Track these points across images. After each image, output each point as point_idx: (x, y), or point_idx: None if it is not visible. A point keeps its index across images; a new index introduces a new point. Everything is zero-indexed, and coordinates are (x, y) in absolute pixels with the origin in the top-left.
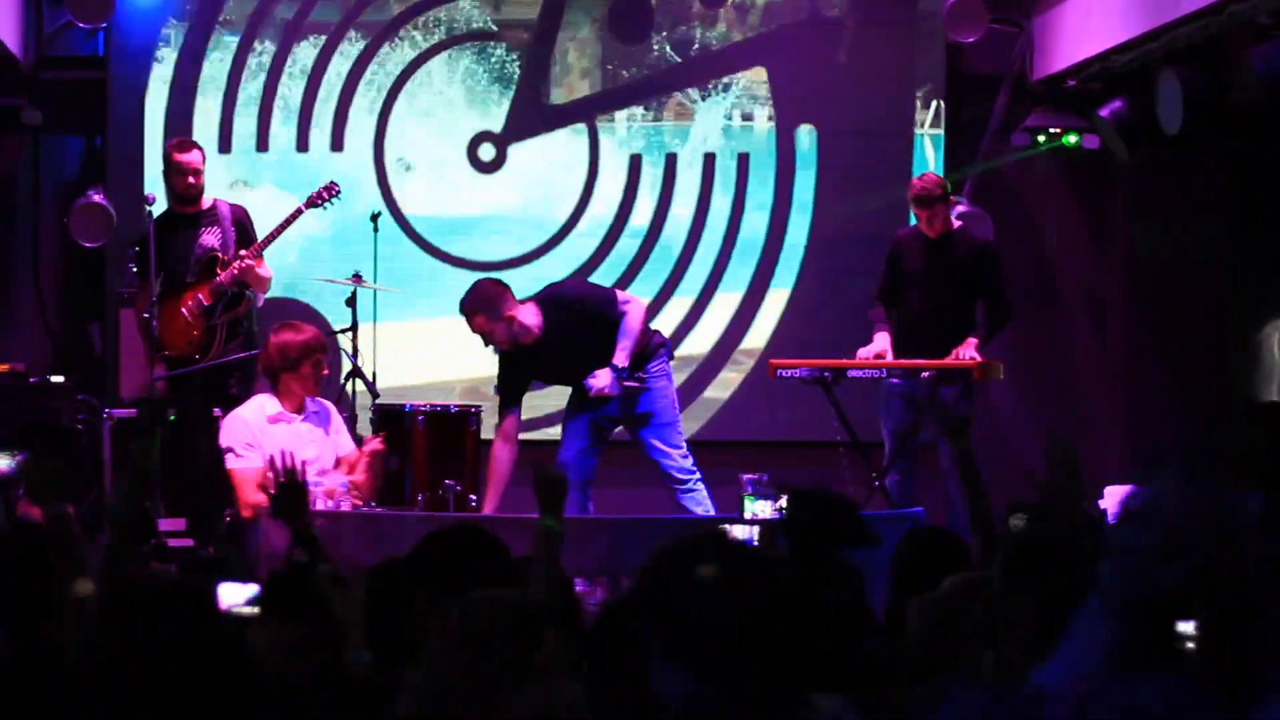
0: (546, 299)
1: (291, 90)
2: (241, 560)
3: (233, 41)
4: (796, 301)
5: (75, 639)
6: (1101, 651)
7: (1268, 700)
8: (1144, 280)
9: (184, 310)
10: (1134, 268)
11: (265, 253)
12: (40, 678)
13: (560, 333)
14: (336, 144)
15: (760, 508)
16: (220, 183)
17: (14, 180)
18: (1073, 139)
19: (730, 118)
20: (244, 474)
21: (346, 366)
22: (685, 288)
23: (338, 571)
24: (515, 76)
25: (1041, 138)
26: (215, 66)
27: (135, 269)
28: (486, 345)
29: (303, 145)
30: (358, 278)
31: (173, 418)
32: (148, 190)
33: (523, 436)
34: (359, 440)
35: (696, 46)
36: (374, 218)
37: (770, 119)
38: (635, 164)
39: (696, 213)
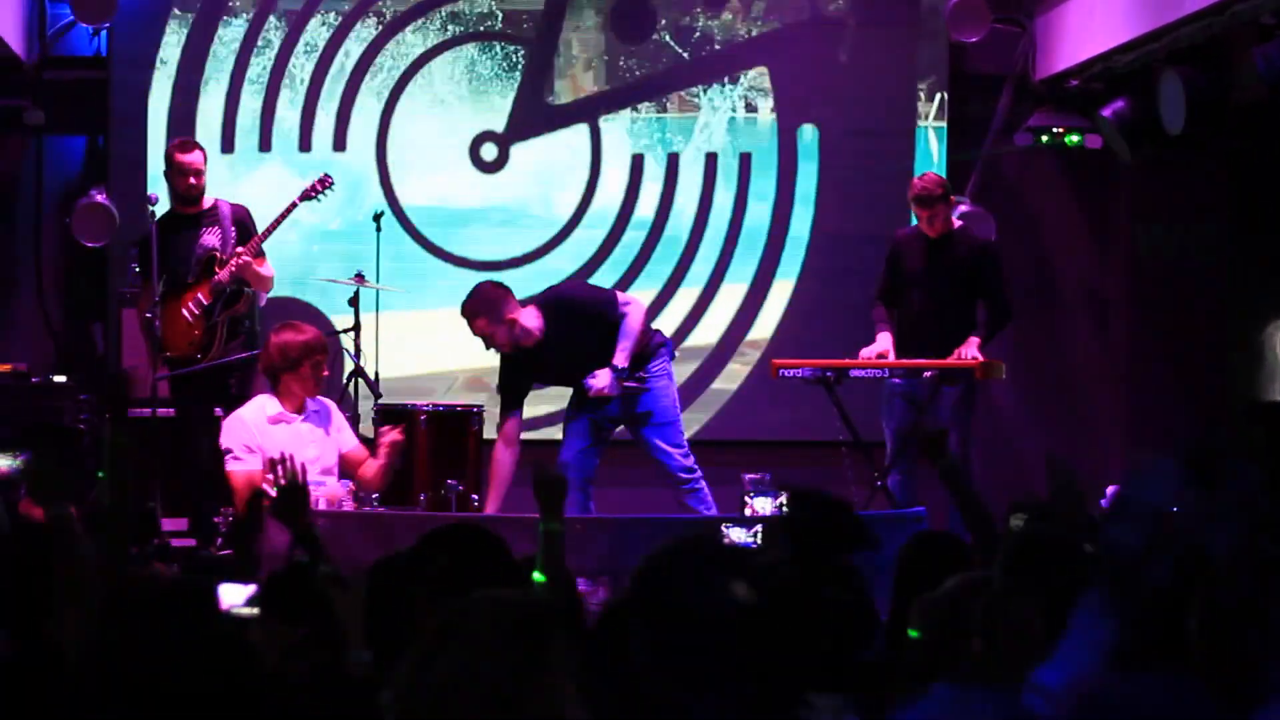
0: (547, 301)
1: (294, 90)
2: (244, 561)
3: (235, 42)
4: (801, 294)
5: (75, 639)
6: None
7: (1270, 701)
8: (1146, 280)
9: (184, 311)
10: (1136, 268)
11: (268, 252)
12: (40, 678)
13: (561, 335)
14: (339, 144)
15: (761, 504)
16: (223, 182)
17: (17, 180)
18: (1075, 139)
19: (733, 117)
20: (243, 477)
21: (349, 366)
22: (690, 280)
23: (338, 572)
24: (517, 76)
25: (1044, 137)
26: (218, 66)
27: (138, 269)
28: (488, 348)
29: (305, 145)
30: (360, 277)
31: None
32: (150, 190)
33: (524, 436)
34: (372, 440)
35: (699, 46)
36: (377, 217)
37: (772, 118)
38: (638, 163)
39: (699, 209)
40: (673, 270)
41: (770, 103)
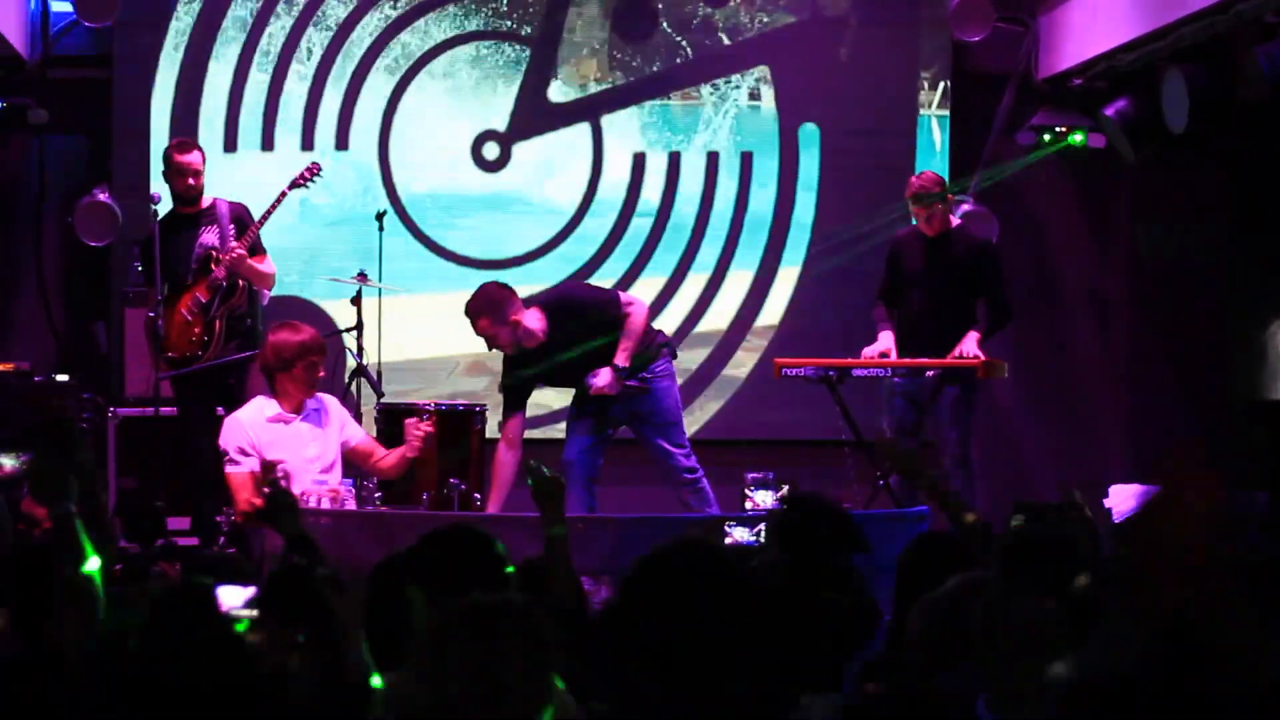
0: (550, 303)
1: (297, 90)
2: (246, 561)
3: (238, 41)
4: (806, 282)
5: (75, 639)
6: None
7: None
8: (1146, 280)
9: (183, 310)
10: (1136, 267)
11: (270, 251)
12: (40, 678)
13: (564, 336)
14: (341, 143)
15: (762, 497)
16: (226, 182)
17: (19, 179)
18: (1078, 138)
19: (734, 116)
20: (239, 479)
21: (351, 365)
22: (696, 268)
23: (337, 575)
24: (519, 75)
25: (1047, 137)
26: (221, 66)
27: (140, 268)
28: (490, 348)
29: (308, 144)
30: (363, 276)
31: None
32: (153, 189)
33: (525, 435)
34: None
35: (700, 44)
36: (379, 216)
37: (774, 117)
38: (639, 161)
39: (701, 207)
40: (678, 260)
41: (772, 101)
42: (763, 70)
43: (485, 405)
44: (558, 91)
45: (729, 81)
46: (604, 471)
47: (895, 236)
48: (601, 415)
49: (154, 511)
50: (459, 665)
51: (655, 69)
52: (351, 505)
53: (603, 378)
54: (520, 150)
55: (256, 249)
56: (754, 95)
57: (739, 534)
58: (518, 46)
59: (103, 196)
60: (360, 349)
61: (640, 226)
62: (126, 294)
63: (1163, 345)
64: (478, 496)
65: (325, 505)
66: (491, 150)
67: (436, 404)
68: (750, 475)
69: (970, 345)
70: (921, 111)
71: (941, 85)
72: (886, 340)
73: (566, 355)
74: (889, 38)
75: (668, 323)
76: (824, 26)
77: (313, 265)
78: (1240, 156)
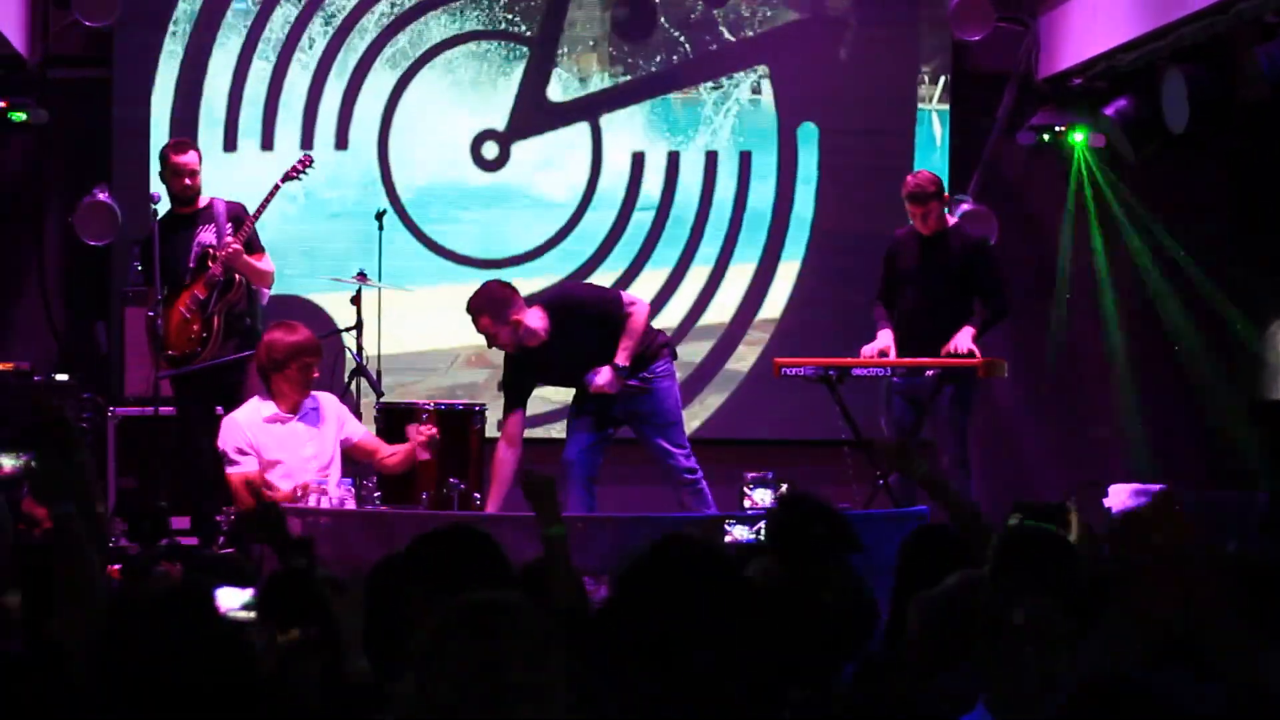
0: (552, 302)
1: (297, 85)
2: (246, 561)
3: (238, 41)
4: (805, 277)
5: (77, 639)
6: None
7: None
8: (1147, 279)
9: (182, 308)
10: (1137, 267)
11: (269, 248)
12: (41, 677)
13: (566, 335)
14: (341, 142)
15: (760, 495)
16: (226, 182)
17: (20, 178)
18: (1079, 138)
19: (734, 116)
20: (239, 479)
21: (351, 365)
22: (698, 261)
23: (336, 577)
24: (519, 73)
25: (1047, 136)
26: (220, 65)
27: (140, 268)
28: (490, 346)
29: (307, 144)
30: (363, 276)
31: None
32: (153, 189)
33: (525, 434)
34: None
35: (700, 44)
36: (379, 215)
37: (773, 116)
38: (639, 160)
39: (700, 203)
40: (679, 255)
41: (771, 101)
42: (763, 69)
43: (484, 405)
44: (557, 90)
45: (729, 81)
46: (604, 471)
47: (894, 236)
48: (602, 415)
49: (157, 511)
50: (459, 665)
51: (655, 67)
52: (351, 505)
53: (603, 376)
54: (519, 149)
55: (254, 246)
56: (753, 95)
57: (739, 532)
58: (518, 46)
59: (103, 196)
60: (360, 349)
61: (641, 222)
62: (126, 294)
63: (1163, 345)
64: (477, 496)
65: (325, 505)
66: (490, 150)
67: (436, 404)
68: (749, 474)
69: (964, 340)
70: (921, 106)
71: (942, 79)
72: (886, 338)
73: (567, 354)
74: (889, 37)
75: (670, 317)
76: (824, 25)
77: (312, 262)
78: (1240, 156)
